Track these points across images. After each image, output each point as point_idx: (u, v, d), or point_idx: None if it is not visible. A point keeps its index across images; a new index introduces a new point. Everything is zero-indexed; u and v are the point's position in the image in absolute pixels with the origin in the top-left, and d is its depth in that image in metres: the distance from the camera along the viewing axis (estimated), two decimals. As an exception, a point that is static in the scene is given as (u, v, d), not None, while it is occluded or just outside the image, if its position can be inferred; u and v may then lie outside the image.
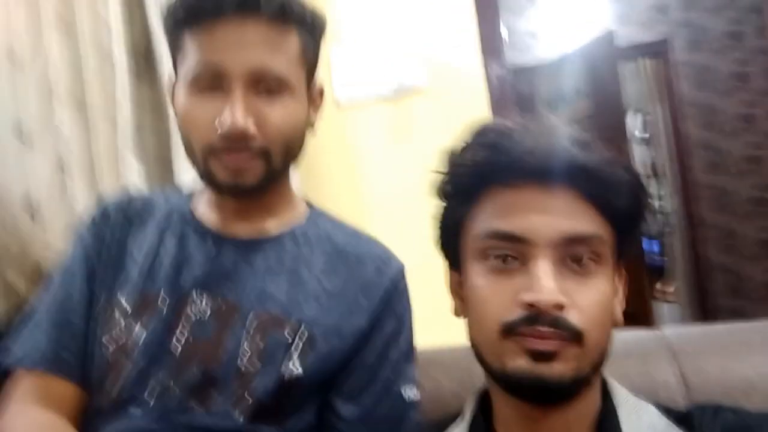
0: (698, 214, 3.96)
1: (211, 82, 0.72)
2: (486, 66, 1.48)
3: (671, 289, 4.31)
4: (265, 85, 0.73)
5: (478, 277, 0.59)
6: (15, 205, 1.45)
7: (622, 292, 0.63)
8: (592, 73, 3.18)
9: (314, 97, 0.83)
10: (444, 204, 0.65)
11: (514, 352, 0.54)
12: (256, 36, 0.72)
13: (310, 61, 0.79)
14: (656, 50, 4.01)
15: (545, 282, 0.53)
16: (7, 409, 0.72)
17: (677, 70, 3.93)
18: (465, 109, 1.45)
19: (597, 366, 0.58)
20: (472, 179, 0.60)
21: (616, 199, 0.57)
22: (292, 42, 0.75)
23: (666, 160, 4.17)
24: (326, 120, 1.49)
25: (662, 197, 4.54)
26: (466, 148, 0.61)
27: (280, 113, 0.74)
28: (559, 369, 0.53)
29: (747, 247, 3.88)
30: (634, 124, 4.87)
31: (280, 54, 0.73)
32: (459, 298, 0.65)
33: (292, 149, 0.78)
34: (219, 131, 0.70)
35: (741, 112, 3.86)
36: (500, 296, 0.56)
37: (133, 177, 1.33)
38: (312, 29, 0.78)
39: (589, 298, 0.55)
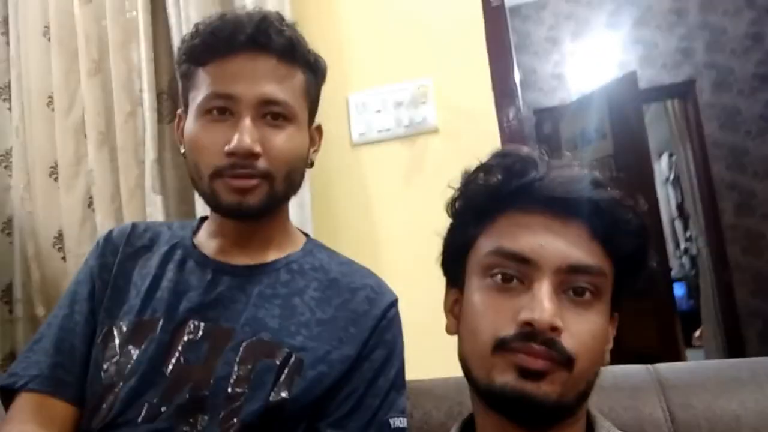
0: (729, 257, 3.86)
1: (221, 110, 0.78)
2: (499, 109, 1.51)
3: (700, 333, 4.19)
4: (272, 114, 0.79)
5: (479, 293, 0.60)
6: (48, 242, 1.53)
7: (612, 336, 0.64)
8: (615, 114, 3.19)
9: (313, 135, 0.88)
10: (455, 221, 0.67)
11: (503, 367, 0.55)
12: (266, 69, 0.78)
13: (311, 100, 0.86)
14: (682, 91, 4.01)
15: (546, 304, 0.55)
16: (6, 429, 0.75)
17: (703, 112, 3.91)
18: (478, 151, 1.48)
19: (581, 396, 0.58)
20: (487, 200, 0.62)
21: (622, 240, 0.59)
22: (298, 79, 0.82)
23: (695, 202, 4.11)
24: (341, 158, 1.56)
25: (692, 239, 4.45)
26: (483, 169, 0.63)
27: (285, 140, 0.79)
28: (545, 389, 0.54)
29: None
30: (661, 166, 4.83)
31: (286, 86, 0.80)
32: (453, 316, 0.66)
33: (293, 177, 0.82)
34: (226, 149, 0.76)
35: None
36: (498, 313, 0.57)
37: (155, 212, 1.39)
38: (315, 71, 0.85)
39: (584, 327, 0.56)
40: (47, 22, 1.55)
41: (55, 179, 1.54)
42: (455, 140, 1.50)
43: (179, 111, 0.86)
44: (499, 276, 0.58)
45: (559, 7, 4.21)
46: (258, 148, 0.76)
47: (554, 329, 0.54)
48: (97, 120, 1.50)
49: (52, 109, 1.55)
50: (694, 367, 0.81)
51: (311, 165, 0.88)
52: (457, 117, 1.51)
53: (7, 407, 0.78)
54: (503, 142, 1.48)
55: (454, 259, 0.66)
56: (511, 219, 0.60)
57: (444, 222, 0.69)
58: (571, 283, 0.57)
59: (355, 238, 1.51)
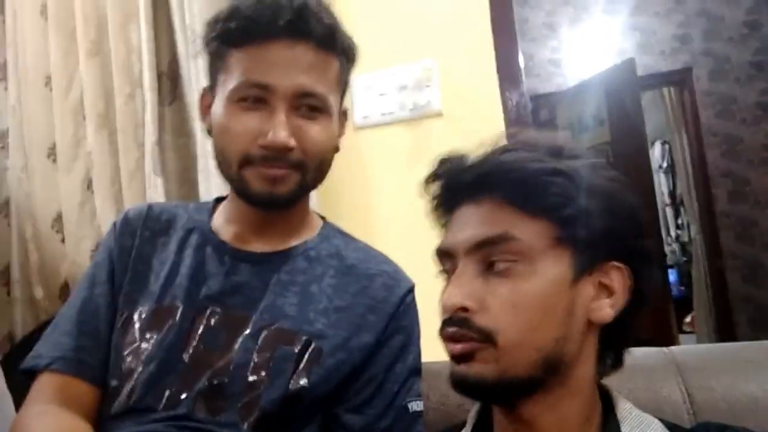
0: (722, 244, 3.90)
1: (255, 98, 0.75)
2: (503, 93, 1.50)
3: (691, 319, 4.24)
4: (306, 105, 0.77)
5: None
6: (46, 224, 1.51)
7: (625, 287, 0.57)
8: (613, 101, 3.19)
9: (341, 120, 0.86)
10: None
11: None
12: (304, 59, 0.75)
13: (343, 87, 0.84)
14: (679, 79, 4.01)
15: (454, 286, 0.56)
16: (29, 409, 0.75)
17: (700, 100, 3.92)
18: (481, 135, 1.47)
19: (544, 365, 0.54)
20: (443, 202, 0.64)
21: (535, 193, 0.55)
22: (333, 68, 0.79)
23: (689, 190, 4.13)
24: (344, 141, 1.53)
25: (682, 227, 4.48)
26: (429, 179, 0.65)
27: (318, 131, 0.77)
28: (477, 369, 0.55)
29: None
30: (654, 153, 4.85)
31: (322, 78, 0.77)
32: None
33: (323, 167, 0.81)
34: (260, 142, 0.74)
35: (765, 141, 3.83)
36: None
37: (156, 195, 1.38)
38: (349, 58, 0.82)
39: (501, 299, 0.54)
40: (44, 2, 1.52)
41: (54, 161, 1.52)
42: (459, 124, 1.49)
43: (204, 88, 0.84)
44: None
45: (557, -7, 4.18)
46: (293, 143, 0.75)
47: (463, 309, 0.55)
48: (96, 102, 1.48)
49: (50, 90, 1.53)
50: (709, 350, 0.82)
51: (337, 150, 0.85)
52: (461, 100, 1.49)
53: (29, 388, 0.78)
54: (507, 126, 1.47)
55: None
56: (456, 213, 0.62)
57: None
58: (484, 258, 0.56)
59: (355, 222, 1.50)
